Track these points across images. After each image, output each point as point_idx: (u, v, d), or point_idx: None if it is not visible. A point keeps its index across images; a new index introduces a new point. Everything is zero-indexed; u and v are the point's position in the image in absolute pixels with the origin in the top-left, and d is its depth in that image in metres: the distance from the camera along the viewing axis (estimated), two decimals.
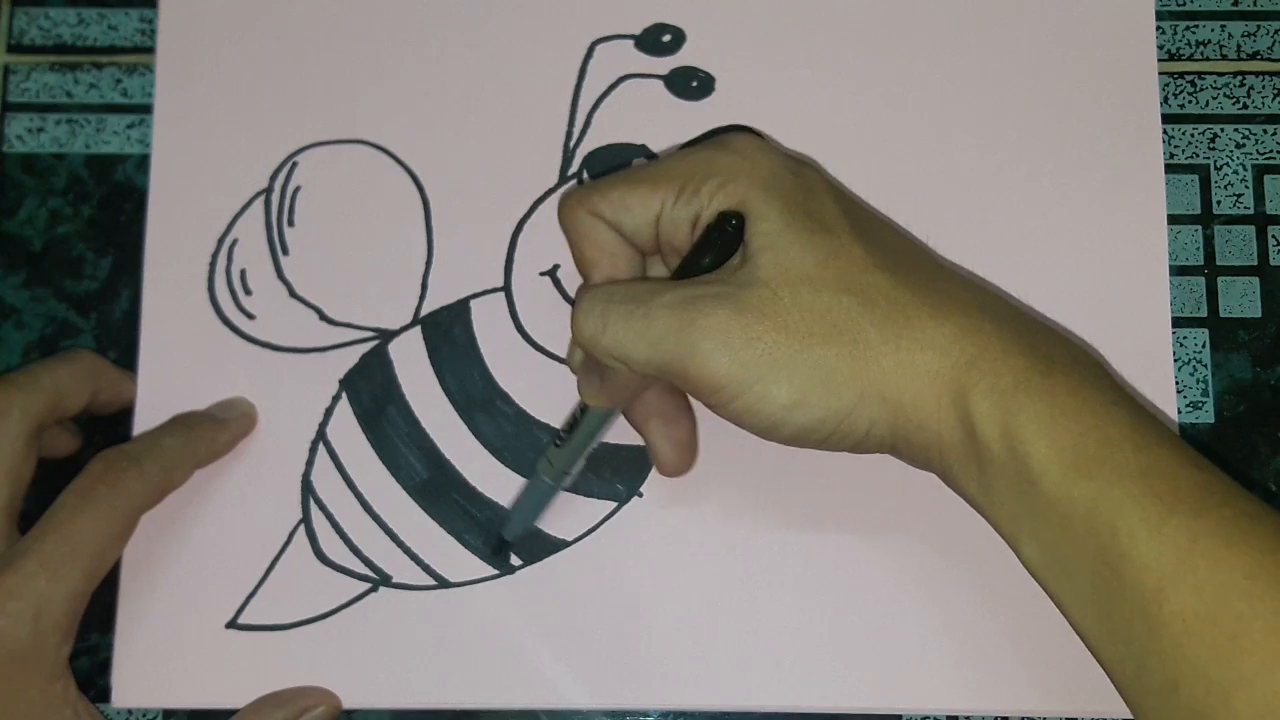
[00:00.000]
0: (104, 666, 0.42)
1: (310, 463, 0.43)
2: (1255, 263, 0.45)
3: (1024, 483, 0.34)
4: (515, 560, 0.42)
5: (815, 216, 0.36)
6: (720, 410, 0.35)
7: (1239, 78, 0.46)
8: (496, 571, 0.42)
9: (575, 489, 0.43)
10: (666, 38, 0.46)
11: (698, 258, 0.37)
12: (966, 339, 0.35)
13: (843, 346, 0.34)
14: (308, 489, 0.43)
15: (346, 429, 0.43)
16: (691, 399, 0.40)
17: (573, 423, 0.40)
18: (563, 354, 0.44)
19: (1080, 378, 0.35)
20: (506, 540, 0.42)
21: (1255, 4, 0.47)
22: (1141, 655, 0.32)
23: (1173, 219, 0.45)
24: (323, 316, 0.44)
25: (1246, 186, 0.46)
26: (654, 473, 0.43)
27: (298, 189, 0.45)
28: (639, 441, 0.42)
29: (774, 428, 0.35)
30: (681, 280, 0.36)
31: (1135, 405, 0.35)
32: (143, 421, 0.43)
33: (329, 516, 0.43)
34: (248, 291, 0.44)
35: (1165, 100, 0.46)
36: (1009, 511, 0.35)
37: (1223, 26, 0.47)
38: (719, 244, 0.36)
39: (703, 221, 0.37)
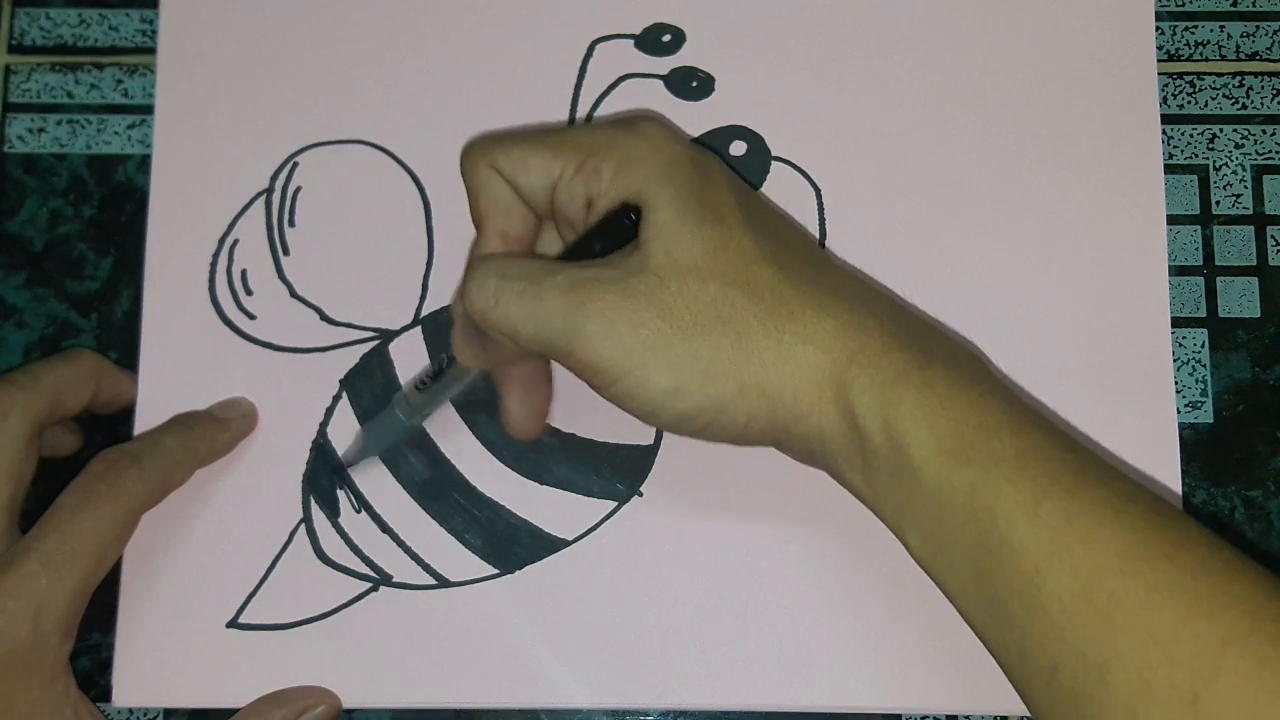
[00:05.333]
0: (105, 666, 0.42)
1: (311, 462, 0.43)
2: (1254, 263, 0.45)
3: (906, 473, 0.34)
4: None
5: (709, 206, 0.36)
6: (602, 392, 0.36)
7: (1238, 78, 0.46)
8: (497, 571, 0.42)
9: (575, 488, 0.43)
10: (666, 38, 0.46)
11: (590, 242, 0.37)
12: (848, 334, 0.35)
13: (725, 338, 0.35)
14: (308, 489, 0.43)
15: (347, 429, 0.43)
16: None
17: (438, 370, 0.40)
18: None
19: (958, 370, 0.35)
20: (344, 465, 0.43)
21: (1254, 4, 0.47)
22: (1022, 639, 0.33)
23: (1172, 219, 0.45)
24: (323, 316, 0.44)
25: (1246, 187, 0.46)
26: (654, 473, 0.43)
27: (298, 189, 0.45)
28: (640, 441, 0.43)
29: (653, 413, 0.36)
30: (574, 261, 0.37)
31: (1012, 395, 0.36)
32: (144, 421, 0.43)
33: (329, 516, 0.43)
34: (248, 291, 0.44)
35: (1164, 101, 0.46)
36: (893, 503, 0.35)
37: (1222, 27, 0.47)
38: (614, 233, 0.37)
39: (598, 206, 0.37)
